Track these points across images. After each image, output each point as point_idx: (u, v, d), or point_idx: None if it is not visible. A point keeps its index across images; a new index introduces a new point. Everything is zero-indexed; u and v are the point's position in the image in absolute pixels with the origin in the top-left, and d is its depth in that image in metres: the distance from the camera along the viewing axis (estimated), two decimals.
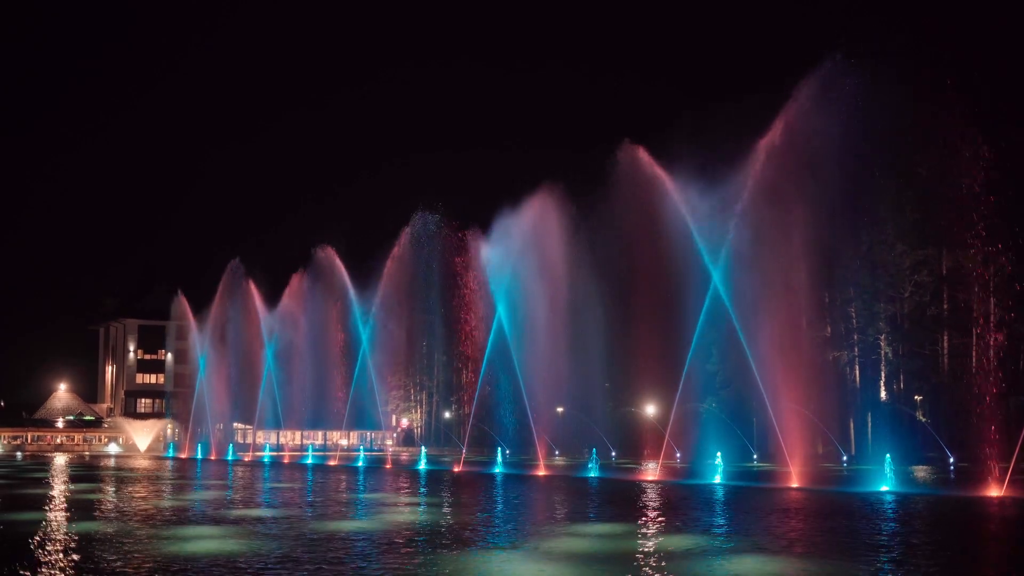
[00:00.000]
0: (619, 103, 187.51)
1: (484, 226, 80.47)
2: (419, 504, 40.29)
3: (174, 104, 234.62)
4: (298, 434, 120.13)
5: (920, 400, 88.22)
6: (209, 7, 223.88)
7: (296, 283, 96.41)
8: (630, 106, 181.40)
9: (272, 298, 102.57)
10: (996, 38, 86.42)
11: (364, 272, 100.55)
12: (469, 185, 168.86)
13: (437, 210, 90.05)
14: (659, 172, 62.85)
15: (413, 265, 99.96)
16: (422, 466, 73.83)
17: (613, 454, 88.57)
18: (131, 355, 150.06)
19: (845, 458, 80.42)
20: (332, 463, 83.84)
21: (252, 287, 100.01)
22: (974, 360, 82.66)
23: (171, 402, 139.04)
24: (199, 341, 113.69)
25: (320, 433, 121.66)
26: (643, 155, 63.26)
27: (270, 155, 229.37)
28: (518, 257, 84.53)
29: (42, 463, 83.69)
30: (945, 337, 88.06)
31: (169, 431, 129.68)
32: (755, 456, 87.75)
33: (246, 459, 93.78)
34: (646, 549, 25.14)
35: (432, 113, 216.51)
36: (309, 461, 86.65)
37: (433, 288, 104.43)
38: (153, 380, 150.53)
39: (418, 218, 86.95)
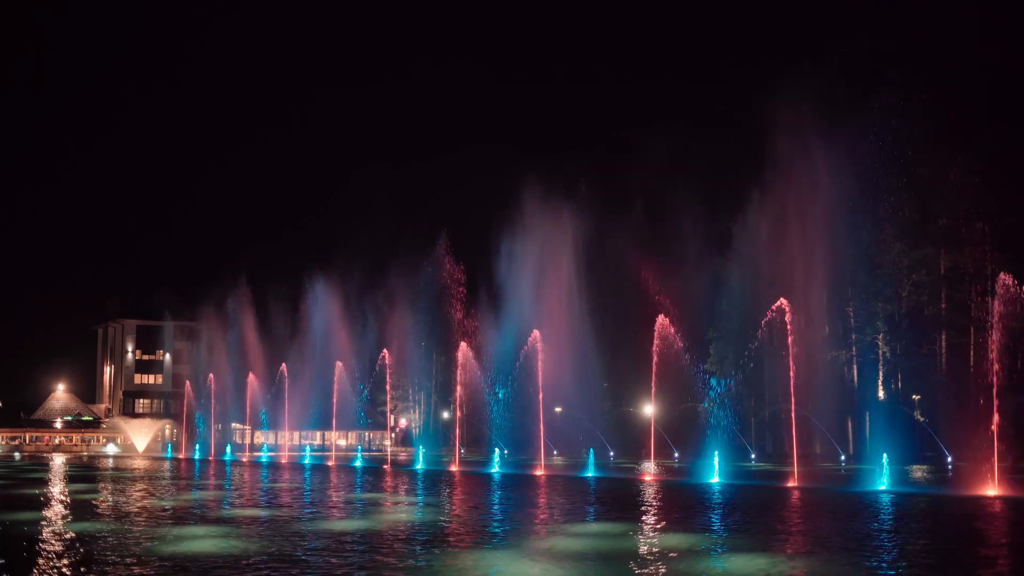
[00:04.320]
0: (618, 106, 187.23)
1: (485, 225, 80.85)
2: (416, 504, 40.32)
3: (178, 107, 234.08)
4: (296, 434, 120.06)
5: (918, 399, 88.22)
6: (210, 15, 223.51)
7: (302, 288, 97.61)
8: (628, 107, 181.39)
9: (275, 300, 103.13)
10: (992, 41, 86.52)
11: (366, 275, 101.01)
12: (466, 188, 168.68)
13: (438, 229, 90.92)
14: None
15: (414, 273, 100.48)
16: (420, 466, 73.84)
17: (611, 454, 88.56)
18: (129, 355, 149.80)
19: (843, 457, 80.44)
20: (330, 463, 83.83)
21: (249, 298, 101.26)
22: (972, 359, 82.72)
23: (169, 403, 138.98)
24: (203, 344, 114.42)
25: (318, 433, 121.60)
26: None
27: (273, 159, 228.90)
28: (519, 262, 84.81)
29: (40, 463, 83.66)
30: (943, 336, 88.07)
31: (167, 432, 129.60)
32: (753, 455, 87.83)
33: (244, 459, 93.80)
34: (644, 548, 25.16)
35: (431, 115, 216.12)
36: (307, 461, 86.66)
37: (433, 291, 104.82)
38: (151, 381, 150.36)
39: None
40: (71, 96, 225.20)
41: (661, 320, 64.91)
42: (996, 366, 48.12)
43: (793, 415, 56.40)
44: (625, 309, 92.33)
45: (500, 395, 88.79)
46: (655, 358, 63.93)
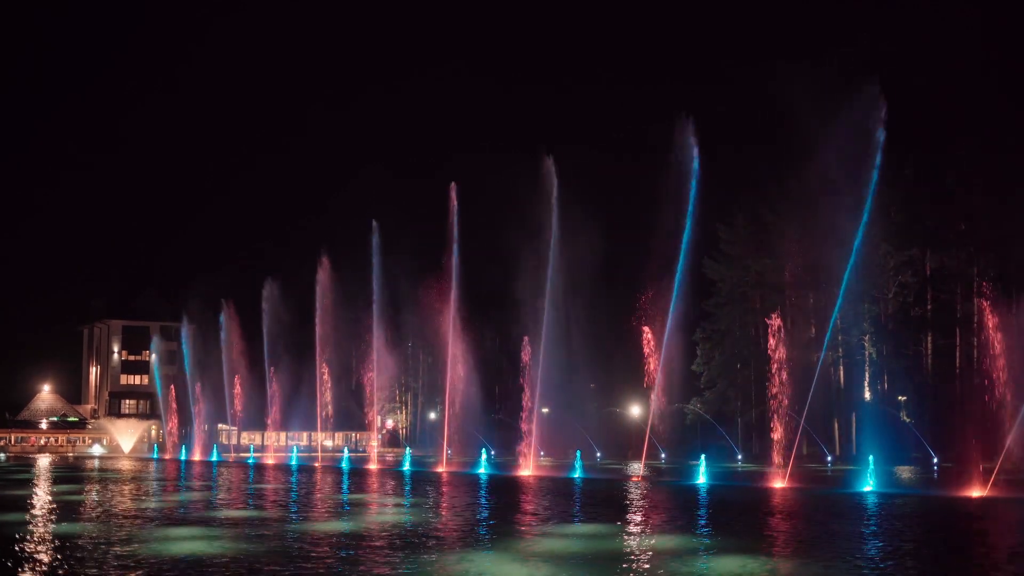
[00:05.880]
0: (618, 106, 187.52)
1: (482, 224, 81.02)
2: (403, 505, 40.27)
3: (177, 108, 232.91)
4: (283, 435, 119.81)
5: (904, 401, 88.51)
6: (210, 15, 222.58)
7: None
8: (628, 107, 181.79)
9: (263, 301, 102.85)
10: (992, 41, 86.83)
11: (362, 276, 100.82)
12: (464, 188, 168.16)
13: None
14: None
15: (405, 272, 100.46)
16: (407, 467, 73.77)
17: (598, 455, 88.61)
18: (115, 356, 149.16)
19: (829, 458, 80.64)
20: (316, 464, 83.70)
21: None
22: (958, 361, 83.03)
23: (156, 403, 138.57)
24: (190, 345, 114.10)
25: (305, 434, 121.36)
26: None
27: (271, 160, 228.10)
28: (513, 263, 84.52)
29: (26, 464, 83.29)
30: (929, 338, 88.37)
31: (153, 432, 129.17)
32: (739, 456, 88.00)
33: (230, 460, 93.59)
34: (631, 549, 25.18)
35: (431, 115, 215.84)
36: (293, 462, 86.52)
37: (418, 291, 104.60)
38: (137, 381, 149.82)
39: None
40: (71, 96, 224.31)
41: (647, 324, 64.93)
42: (980, 366, 48.37)
43: (779, 416, 56.48)
44: (613, 310, 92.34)
45: (488, 396, 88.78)
46: (648, 360, 63.95)
